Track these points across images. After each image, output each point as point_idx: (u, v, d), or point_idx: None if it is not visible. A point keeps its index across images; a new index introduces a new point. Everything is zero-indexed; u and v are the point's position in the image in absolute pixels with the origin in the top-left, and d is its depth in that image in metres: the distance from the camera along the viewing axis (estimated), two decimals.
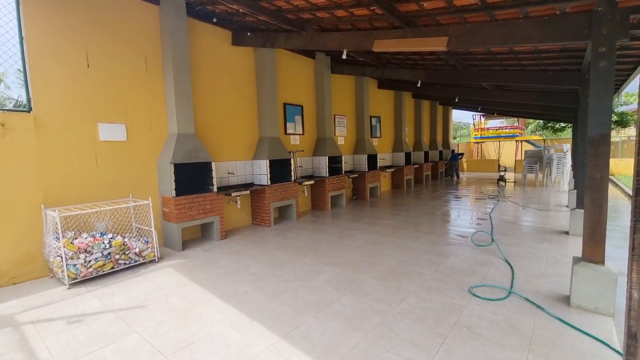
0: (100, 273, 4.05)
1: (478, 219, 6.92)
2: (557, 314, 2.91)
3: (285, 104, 7.56)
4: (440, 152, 15.45)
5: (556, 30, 3.43)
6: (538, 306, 3.09)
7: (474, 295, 3.35)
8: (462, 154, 16.06)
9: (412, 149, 13.17)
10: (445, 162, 15.85)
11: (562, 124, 21.57)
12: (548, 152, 13.24)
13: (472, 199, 9.78)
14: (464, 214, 7.54)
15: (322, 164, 8.15)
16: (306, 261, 4.50)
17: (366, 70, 8.29)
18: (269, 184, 6.51)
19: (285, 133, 7.62)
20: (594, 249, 3.01)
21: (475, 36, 3.97)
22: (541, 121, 22.69)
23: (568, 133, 22.15)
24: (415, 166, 12.68)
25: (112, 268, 4.15)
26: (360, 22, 5.00)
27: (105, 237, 4.21)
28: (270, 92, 6.76)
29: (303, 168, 8.13)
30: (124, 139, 4.91)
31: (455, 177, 15.28)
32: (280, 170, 6.76)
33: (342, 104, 9.50)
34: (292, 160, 7.09)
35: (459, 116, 37.26)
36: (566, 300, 3.17)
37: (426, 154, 13.71)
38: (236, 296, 3.48)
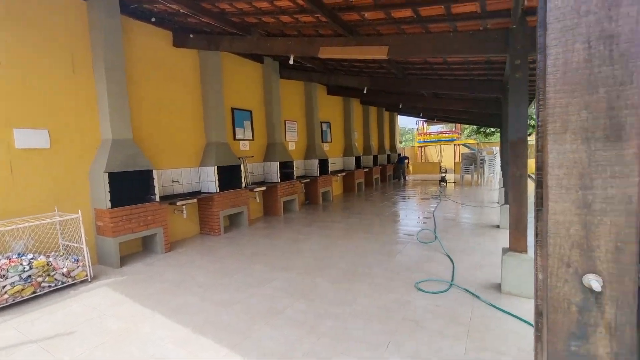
0: (19, 299, 3.53)
1: (423, 217, 7.36)
2: (491, 301, 3.20)
3: (233, 109, 7.36)
4: (388, 155, 16.21)
5: (481, 44, 3.81)
6: (475, 295, 3.36)
7: (420, 290, 3.54)
8: (407, 158, 17.01)
9: (362, 153, 13.62)
10: (393, 165, 16.65)
11: (492, 129, 23.96)
12: (481, 154, 14.59)
13: (418, 199, 10.39)
14: (410, 214, 7.97)
15: (274, 170, 8.07)
16: (258, 268, 4.39)
17: (314, 76, 8.43)
18: (218, 191, 6.26)
19: (234, 139, 7.42)
20: (518, 240, 3.36)
21: (413, 46, 4.26)
22: (475, 126, 24.96)
23: (497, 137, 24.65)
24: (365, 170, 13.12)
25: (34, 292, 3.65)
26: (305, 29, 5.08)
27: (24, 257, 3.70)
28: (216, 96, 6.54)
29: (254, 174, 7.97)
30: (47, 146, 4.38)
31: (403, 180, 16.12)
32: (229, 176, 6.55)
33: (292, 109, 9.52)
34: (242, 166, 6.92)
35: (404, 122, 39.48)
36: (498, 287, 3.49)
37: (375, 157, 14.28)
38: (182, 310, 3.27)
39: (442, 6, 3.52)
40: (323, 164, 9.98)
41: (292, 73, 8.56)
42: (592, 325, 0.69)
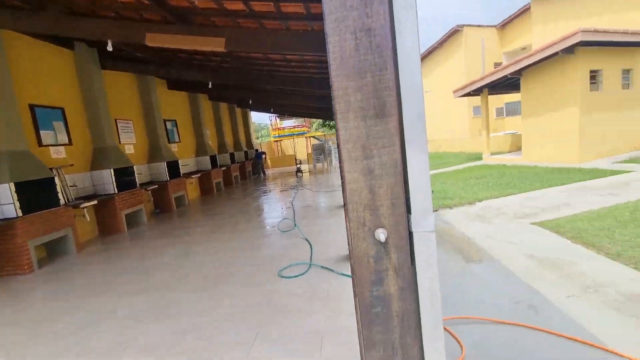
0: None
1: (285, 208, 7.68)
2: (342, 271, 3.63)
3: (33, 106, 5.66)
4: (246, 152, 16.09)
5: (311, 43, 4.18)
6: (330, 269, 3.74)
7: (283, 277, 3.68)
8: (264, 153, 17.36)
9: (217, 152, 13.00)
10: (252, 161, 16.67)
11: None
12: (327, 144, 16.36)
13: (278, 191, 10.77)
14: (272, 207, 8.18)
15: (107, 179, 6.72)
16: (95, 302, 3.59)
17: (149, 68, 7.42)
18: (21, 214, 4.74)
19: (40, 144, 5.74)
20: None
21: (251, 41, 4.27)
22: (321, 120, 27.72)
23: None
24: (223, 168, 12.62)
25: None
26: (126, 11, 4.36)
27: None
28: None
29: (79, 187, 6.42)
30: None
31: (262, 174, 16.38)
32: (38, 194, 5.04)
33: (124, 106, 8.10)
34: (57, 178, 5.44)
35: (259, 118, 40.03)
36: (347, 258, 4.01)
37: (232, 155, 13.91)
38: None
39: (272, 3, 3.65)
40: (173, 166, 9.01)
41: (118, 63, 7.26)
42: (384, 270, 0.84)
